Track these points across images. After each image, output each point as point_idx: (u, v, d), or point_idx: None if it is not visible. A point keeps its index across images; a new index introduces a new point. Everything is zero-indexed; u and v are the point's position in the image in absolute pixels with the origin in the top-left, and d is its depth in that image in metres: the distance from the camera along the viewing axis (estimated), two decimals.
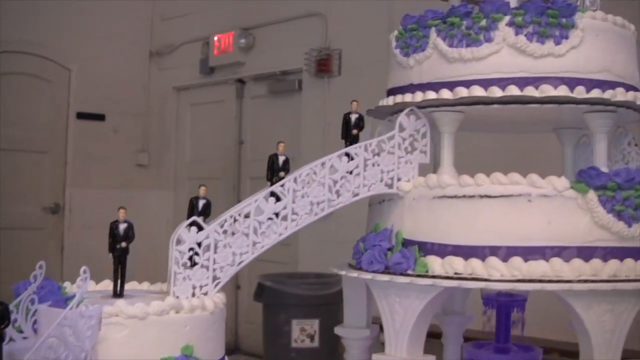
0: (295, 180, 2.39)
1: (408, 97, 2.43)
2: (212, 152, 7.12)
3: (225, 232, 2.32)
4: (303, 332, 5.00)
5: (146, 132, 7.48)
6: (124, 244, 2.35)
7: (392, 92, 2.58)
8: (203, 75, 7.12)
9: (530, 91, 2.25)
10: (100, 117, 7.18)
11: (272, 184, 2.42)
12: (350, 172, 2.41)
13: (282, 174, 2.44)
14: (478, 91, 2.29)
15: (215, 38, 6.90)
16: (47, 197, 6.93)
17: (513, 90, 2.25)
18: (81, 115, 7.07)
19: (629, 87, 2.39)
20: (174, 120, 7.53)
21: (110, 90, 7.22)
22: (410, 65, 2.47)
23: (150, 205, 7.36)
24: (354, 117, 2.54)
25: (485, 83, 2.29)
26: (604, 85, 2.30)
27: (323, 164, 2.39)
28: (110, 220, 2.37)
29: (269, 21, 6.61)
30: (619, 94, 2.31)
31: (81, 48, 7.03)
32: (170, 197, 7.43)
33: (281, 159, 2.47)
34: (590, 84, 2.28)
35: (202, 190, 2.41)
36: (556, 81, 2.27)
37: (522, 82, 2.27)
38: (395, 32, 2.57)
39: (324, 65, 6.09)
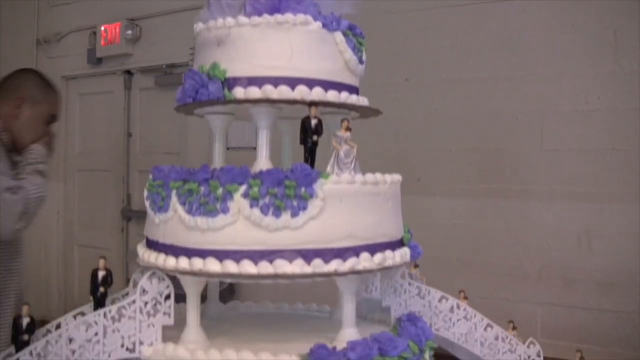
0: (31, 353, 2.25)
1: (152, 257, 2.35)
2: (101, 144, 7.04)
3: None
4: None
5: None
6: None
7: (148, 242, 2.48)
8: (91, 65, 6.99)
9: (264, 266, 2.18)
10: None
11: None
12: (89, 340, 2.27)
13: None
14: (213, 264, 2.20)
15: (102, 28, 6.76)
16: None
17: (246, 265, 2.18)
18: None
19: (376, 249, 2.31)
20: (63, 111, 7.33)
21: None
22: (157, 223, 2.37)
23: None
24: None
25: (222, 255, 2.20)
26: (346, 253, 2.23)
27: (60, 335, 2.26)
28: None
29: (155, 12, 6.53)
30: (363, 260, 2.25)
31: None
32: (60, 188, 7.32)
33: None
34: (331, 254, 2.20)
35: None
36: (292, 254, 2.17)
37: (257, 256, 2.18)
38: (147, 182, 2.46)
39: None
